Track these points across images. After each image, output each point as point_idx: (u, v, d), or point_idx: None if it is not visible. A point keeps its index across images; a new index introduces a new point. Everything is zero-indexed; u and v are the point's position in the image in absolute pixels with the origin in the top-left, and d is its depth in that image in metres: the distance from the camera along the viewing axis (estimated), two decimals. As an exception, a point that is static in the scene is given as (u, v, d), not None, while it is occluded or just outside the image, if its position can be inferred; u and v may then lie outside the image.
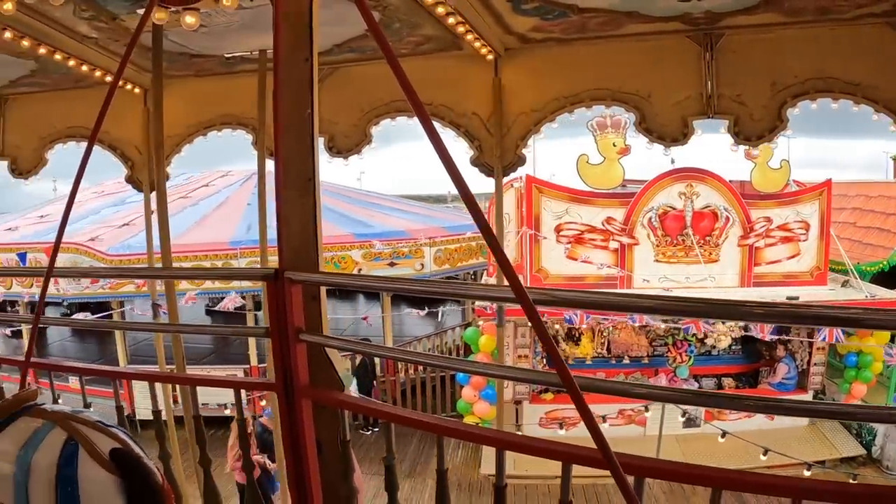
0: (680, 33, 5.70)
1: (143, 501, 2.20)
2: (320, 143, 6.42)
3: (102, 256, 16.20)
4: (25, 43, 5.48)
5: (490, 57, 6.09)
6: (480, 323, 12.39)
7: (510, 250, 12.98)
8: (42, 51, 5.72)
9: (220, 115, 6.75)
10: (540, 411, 13.02)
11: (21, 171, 7.45)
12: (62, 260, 15.03)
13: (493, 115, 6.11)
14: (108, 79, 6.56)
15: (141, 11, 5.12)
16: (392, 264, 17.44)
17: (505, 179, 6.31)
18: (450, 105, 6.20)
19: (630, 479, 2.10)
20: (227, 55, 6.21)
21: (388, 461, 2.98)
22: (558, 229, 12.58)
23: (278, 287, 2.72)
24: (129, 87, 6.73)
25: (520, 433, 2.37)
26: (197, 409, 3.53)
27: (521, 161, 6.13)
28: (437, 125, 6.14)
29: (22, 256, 17.06)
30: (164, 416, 3.86)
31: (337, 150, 6.50)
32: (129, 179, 7.23)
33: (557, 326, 13.37)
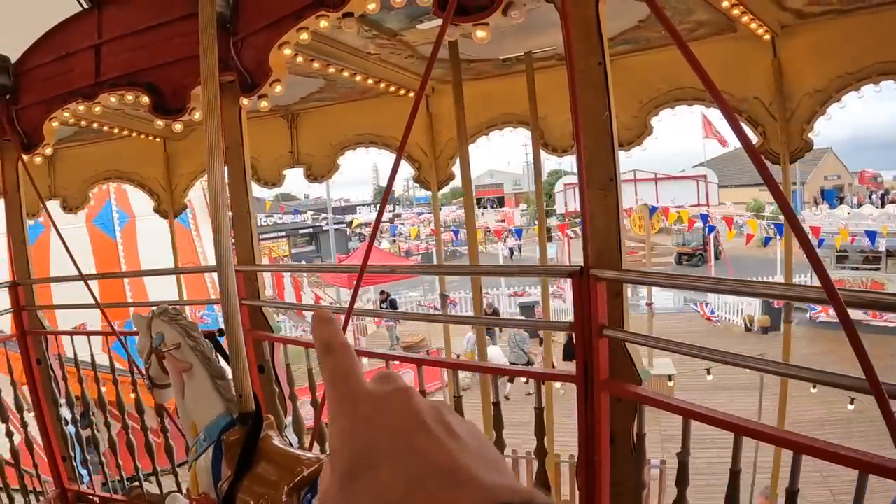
0: (971, -7, 5.13)
1: None
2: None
3: None
4: (316, 65, 6.01)
5: (767, 37, 5.82)
6: None
7: None
8: (331, 70, 6.24)
9: (501, 115, 7.04)
10: None
11: (315, 176, 8.26)
12: None
13: (776, 99, 5.82)
14: (392, 89, 7.10)
15: (420, 26, 5.49)
16: None
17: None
18: (729, 90, 5.92)
19: None
20: (502, 58, 6.45)
21: (682, 457, 3.00)
22: None
23: (583, 284, 2.84)
24: (410, 94, 7.20)
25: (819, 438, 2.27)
26: (497, 397, 3.74)
27: (809, 147, 5.76)
28: (716, 113, 6.05)
29: None
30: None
31: (619, 142, 6.45)
32: (417, 179, 7.78)
33: None
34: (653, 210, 23.21)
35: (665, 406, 2.90)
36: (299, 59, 5.73)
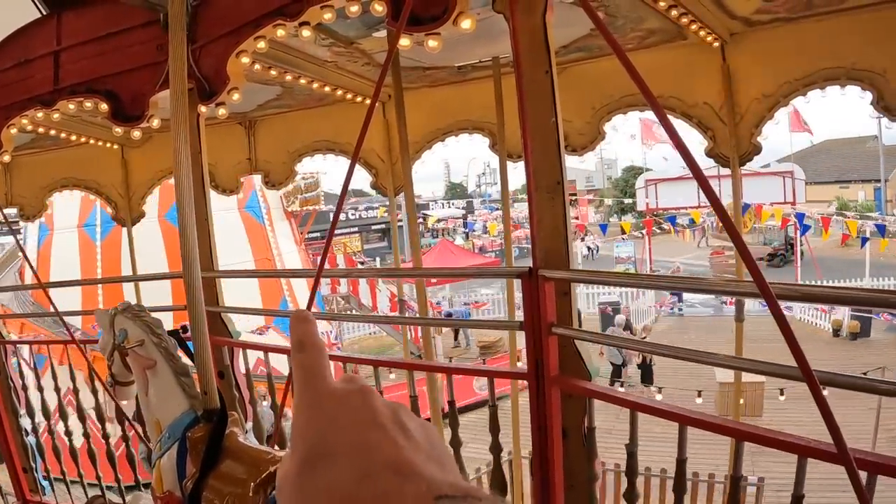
0: (912, -2, 5.29)
1: None
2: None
3: None
4: (273, 72, 6.05)
5: (716, 44, 5.97)
6: None
7: None
8: (288, 77, 6.28)
9: (457, 122, 7.15)
10: None
11: (274, 183, 8.28)
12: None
13: (725, 104, 5.98)
14: (349, 97, 7.16)
15: (376, 35, 5.56)
16: None
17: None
18: (680, 96, 6.13)
19: (863, 476, 2.11)
20: (458, 65, 6.54)
21: (631, 448, 3.12)
22: None
23: (532, 284, 2.94)
24: (367, 101, 7.25)
25: (759, 425, 2.40)
26: (452, 395, 3.83)
27: (758, 150, 5.94)
28: (668, 117, 6.13)
29: None
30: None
31: (572, 147, 6.58)
32: (374, 185, 7.84)
33: None
34: (745, 208, 21.82)
35: (613, 400, 3.02)
36: (256, 66, 5.78)
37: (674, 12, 5.32)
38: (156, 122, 5.14)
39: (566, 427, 3.22)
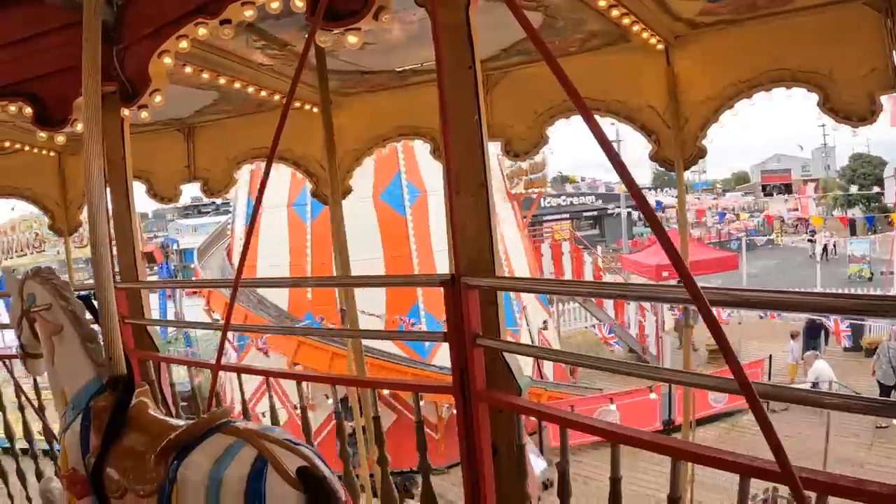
0: (856, 0, 5.26)
1: None
2: (497, 146, 6.52)
3: None
4: (205, 75, 5.84)
5: (660, 47, 5.86)
6: None
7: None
8: (222, 81, 6.08)
9: (397, 127, 6.99)
10: None
11: (213, 191, 8.05)
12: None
13: (669, 107, 5.87)
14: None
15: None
16: None
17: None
18: (623, 100, 6.01)
19: (811, 497, 1.98)
20: (397, 69, 6.40)
21: (562, 467, 2.96)
22: None
23: (455, 292, 2.77)
24: (307, 107, 7.15)
25: (697, 443, 2.31)
26: (376, 411, 3.66)
27: (703, 153, 5.86)
28: (612, 121, 6.06)
29: None
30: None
31: (514, 153, 6.44)
32: (314, 194, 7.59)
33: None
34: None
35: (543, 416, 2.86)
36: (188, 69, 5.60)
37: (615, 12, 5.22)
38: (79, 127, 4.93)
39: (496, 444, 3.06)
